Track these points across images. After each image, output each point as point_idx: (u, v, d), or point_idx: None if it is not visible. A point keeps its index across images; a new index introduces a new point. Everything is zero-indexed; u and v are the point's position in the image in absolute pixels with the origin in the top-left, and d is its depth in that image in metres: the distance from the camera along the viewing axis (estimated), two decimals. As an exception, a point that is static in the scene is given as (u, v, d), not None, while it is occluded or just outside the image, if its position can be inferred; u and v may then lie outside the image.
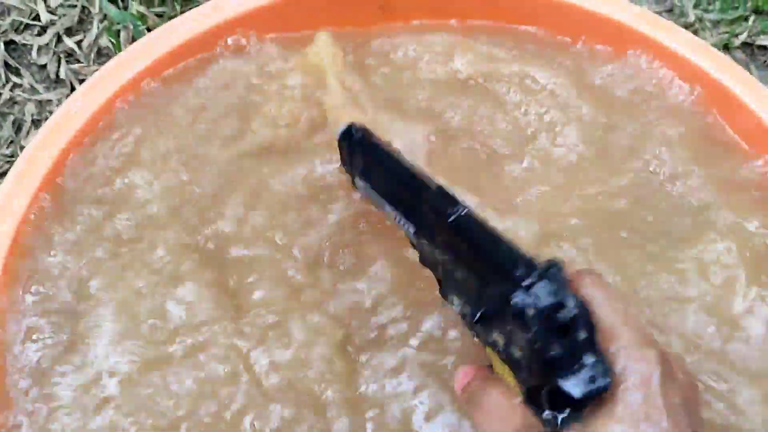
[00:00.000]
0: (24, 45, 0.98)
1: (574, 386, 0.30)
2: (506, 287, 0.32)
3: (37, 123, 0.93)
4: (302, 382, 0.45)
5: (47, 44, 0.98)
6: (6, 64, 0.96)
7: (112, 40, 0.95)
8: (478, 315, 0.35)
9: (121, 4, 0.99)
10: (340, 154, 0.48)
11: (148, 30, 0.95)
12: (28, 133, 0.93)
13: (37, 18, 1.00)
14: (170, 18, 0.96)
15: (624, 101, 0.62)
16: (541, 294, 0.31)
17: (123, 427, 0.44)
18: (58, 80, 0.96)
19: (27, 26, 1.00)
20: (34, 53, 0.97)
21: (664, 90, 0.63)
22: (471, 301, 0.36)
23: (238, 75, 0.62)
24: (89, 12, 1.00)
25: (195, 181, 0.55)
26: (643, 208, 0.54)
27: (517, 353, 0.33)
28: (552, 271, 0.32)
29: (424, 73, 0.62)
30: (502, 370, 0.36)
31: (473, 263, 0.36)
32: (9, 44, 0.98)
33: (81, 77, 0.96)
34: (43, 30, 0.99)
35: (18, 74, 0.96)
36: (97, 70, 0.93)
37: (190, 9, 0.96)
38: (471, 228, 0.36)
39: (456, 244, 0.37)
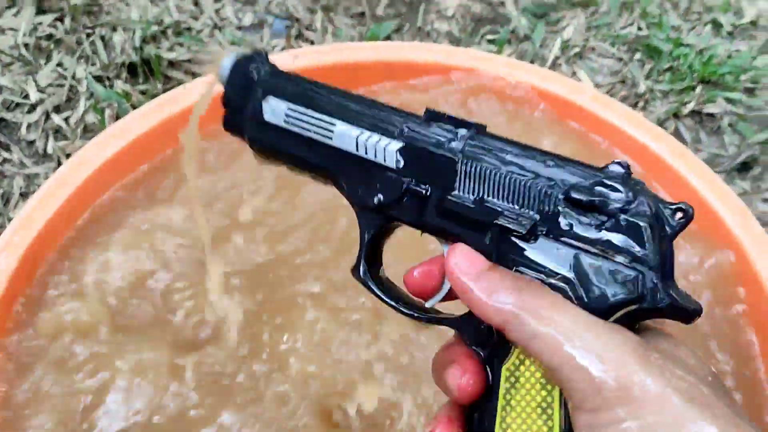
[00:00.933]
0: (14, 122, 1.04)
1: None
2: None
3: (24, 195, 0.98)
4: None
5: (36, 121, 1.03)
6: (-4, 141, 1.02)
7: (98, 116, 1.01)
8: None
9: (107, 82, 1.06)
10: (234, 123, 0.42)
11: (133, 107, 1.00)
12: (15, 205, 0.97)
13: (27, 96, 1.05)
14: (153, 95, 1.02)
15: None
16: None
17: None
18: (45, 155, 1.01)
19: (17, 104, 1.05)
20: (23, 130, 1.02)
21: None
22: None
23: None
24: (77, 90, 1.06)
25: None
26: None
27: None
28: None
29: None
30: None
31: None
32: (0, 122, 1.03)
33: (68, 152, 1.01)
34: (33, 108, 1.05)
35: (8, 150, 1.01)
36: (83, 145, 0.99)
37: (172, 86, 1.03)
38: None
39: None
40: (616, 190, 0.32)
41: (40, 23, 1.11)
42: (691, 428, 0.27)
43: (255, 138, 0.41)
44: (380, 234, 0.40)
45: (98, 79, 1.06)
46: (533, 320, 0.30)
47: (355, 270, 0.40)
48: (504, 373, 0.33)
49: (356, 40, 1.09)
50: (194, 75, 1.06)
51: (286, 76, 0.41)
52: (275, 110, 0.40)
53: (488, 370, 0.34)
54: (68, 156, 1.00)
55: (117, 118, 1.00)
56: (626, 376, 0.28)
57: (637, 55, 1.09)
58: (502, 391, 0.34)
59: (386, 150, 0.37)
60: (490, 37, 1.12)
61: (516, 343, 0.32)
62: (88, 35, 1.10)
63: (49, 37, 1.10)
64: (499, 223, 0.34)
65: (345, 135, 0.38)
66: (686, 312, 0.32)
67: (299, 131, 0.39)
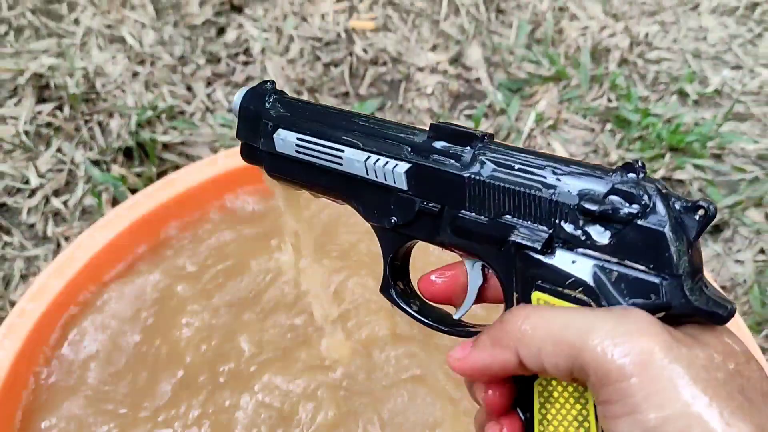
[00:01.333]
0: (15, 207, 1.08)
1: None
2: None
3: (24, 277, 1.02)
4: None
5: (36, 205, 1.08)
6: (-2, 225, 1.06)
7: (96, 199, 1.05)
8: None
9: (104, 166, 1.11)
10: (255, 156, 0.44)
11: (129, 189, 1.05)
12: (16, 287, 1.01)
13: (27, 182, 1.10)
14: (148, 177, 1.07)
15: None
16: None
17: None
18: (45, 237, 1.06)
19: (18, 190, 1.10)
20: (24, 214, 1.06)
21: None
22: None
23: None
24: (75, 174, 1.11)
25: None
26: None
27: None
28: None
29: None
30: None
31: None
32: (1, 206, 1.08)
33: (66, 235, 1.05)
34: (33, 192, 1.09)
35: (9, 233, 1.06)
36: (80, 227, 1.03)
37: (166, 168, 1.08)
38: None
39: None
40: (630, 195, 0.31)
41: (40, 112, 1.17)
42: (683, 399, 0.27)
43: (270, 167, 0.43)
44: (401, 252, 0.40)
45: (95, 163, 1.11)
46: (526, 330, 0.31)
47: (383, 289, 0.40)
48: (536, 388, 0.33)
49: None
50: (188, 157, 1.11)
51: (294, 104, 0.42)
52: (285, 141, 0.41)
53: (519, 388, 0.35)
54: (67, 239, 1.04)
55: (114, 200, 1.05)
56: (648, 360, 0.28)
57: (608, 126, 1.14)
58: (536, 406, 0.33)
59: (394, 172, 0.37)
60: (467, 112, 1.18)
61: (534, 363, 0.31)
62: (86, 122, 1.15)
63: (49, 124, 1.16)
64: (514, 240, 0.34)
65: (354, 161, 0.39)
66: (718, 315, 0.31)
67: (310, 160, 0.40)
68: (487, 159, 0.35)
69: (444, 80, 1.21)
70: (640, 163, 0.32)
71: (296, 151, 0.41)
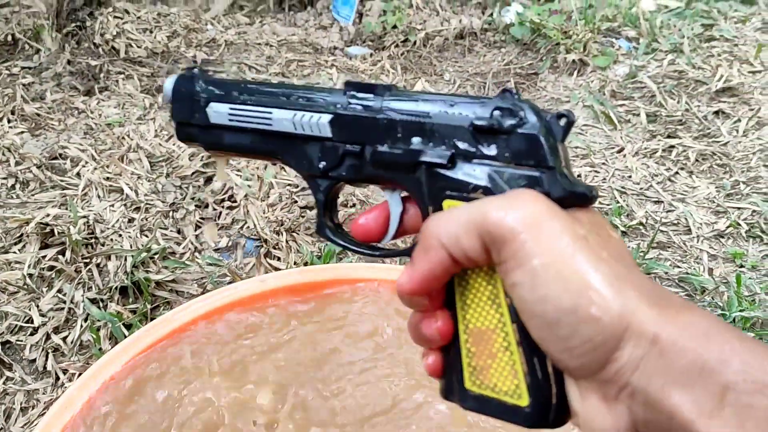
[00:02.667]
0: (18, 344, 1.18)
1: None
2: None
3: (24, 410, 1.10)
4: None
5: (37, 342, 1.18)
6: (1, 361, 1.16)
7: (93, 335, 1.16)
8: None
9: (101, 304, 1.22)
10: (188, 134, 0.48)
11: (124, 325, 1.17)
12: (16, 420, 1.09)
13: (30, 321, 1.21)
14: (143, 313, 1.19)
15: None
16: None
17: None
18: (44, 371, 1.15)
19: (21, 328, 1.21)
20: (27, 351, 1.16)
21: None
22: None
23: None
24: (74, 312, 1.22)
25: None
26: None
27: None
28: None
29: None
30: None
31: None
32: (4, 344, 1.18)
33: (65, 368, 1.15)
34: (35, 330, 1.20)
35: (10, 369, 1.15)
36: (78, 361, 1.13)
37: (158, 304, 1.20)
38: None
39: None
40: (509, 110, 0.39)
41: (44, 256, 1.30)
42: (576, 268, 0.33)
43: (207, 141, 0.48)
44: (331, 194, 0.46)
45: (94, 301, 1.23)
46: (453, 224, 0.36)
47: (319, 230, 0.46)
48: (455, 281, 0.40)
49: (315, 256, 1.29)
50: (178, 293, 1.24)
51: (220, 82, 0.47)
52: (218, 113, 0.46)
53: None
54: (65, 372, 1.14)
55: (111, 336, 1.16)
56: (533, 221, 0.34)
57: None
58: (457, 295, 0.40)
59: (319, 124, 0.43)
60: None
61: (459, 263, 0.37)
62: (86, 264, 1.28)
63: (51, 268, 1.28)
64: (424, 160, 0.41)
65: (282, 119, 0.44)
66: (585, 196, 0.38)
67: (243, 125, 0.46)
68: (393, 101, 0.42)
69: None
70: (514, 90, 0.40)
71: (229, 120, 0.46)
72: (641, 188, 1.49)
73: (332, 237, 0.46)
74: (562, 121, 0.39)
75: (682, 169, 1.56)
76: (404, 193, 0.44)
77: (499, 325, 0.38)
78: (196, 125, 0.47)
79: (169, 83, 0.47)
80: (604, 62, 2.02)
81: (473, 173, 0.39)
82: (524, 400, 0.38)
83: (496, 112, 0.39)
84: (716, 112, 1.79)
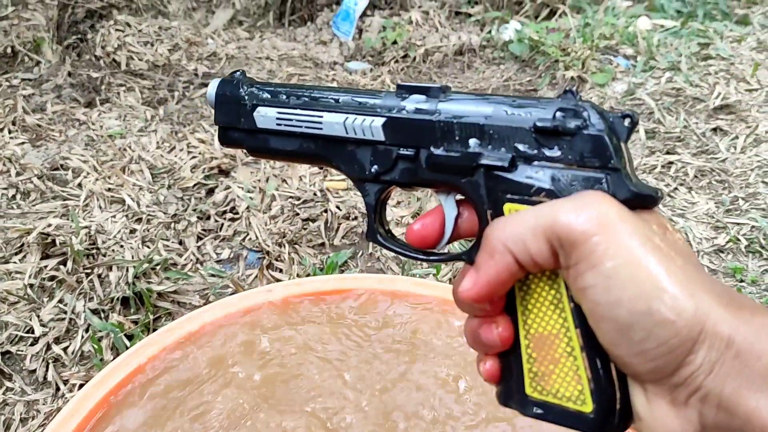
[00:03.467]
0: (18, 354, 1.17)
1: None
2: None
3: (24, 421, 1.09)
4: None
5: (38, 352, 1.17)
6: (1, 372, 1.15)
7: (95, 346, 1.15)
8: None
9: (102, 314, 1.22)
10: (232, 138, 0.48)
11: (126, 336, 1.16)
12: (16, 430, 1.08)
13: (31, 331, 1.20)
14: (144, 324, 1.18)
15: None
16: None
17: None
18: (45, 382, 1.14)
19: (21, 338, 1.20)
20: (27, 361, 1.15)
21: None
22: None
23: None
24: (75, 323, 1.21)
25: None
26: None
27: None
28: None
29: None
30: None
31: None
32: (4, 354, 1.17)
33: (65, 378, 1.14)
34: (36, 341, 1.19)
35: (10, 379, 1.14)
36: (79, 372, 1.12)
37: (160, 315, 1.20)
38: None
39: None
40: (573, 111, 0.38)
41: (45, 266, 1.29)
42: (650, 270, 0.32)
43: (252, 145, 0.47)
44: (381, 199, 0.44)
45: (95, 311, 1.22)
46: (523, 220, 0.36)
47: (370, 235, 0.44)
48: (516, 285, 0.39)
49: (318, 267, 1.29)
50: (180, 304, 1.23)
51: (266, 86, 0.46)
52: (266, 117, 0.45)
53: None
54: (65, 382, 1.13)
55: (112, 346, 1.15)
56: (604, 222, 0.33)
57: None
58: (518, 300, 0.39)
59: (372, 127, 0.42)
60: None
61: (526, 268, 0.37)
62: (87, 275, 1.28)
63: (53, 278, 1.27)
64: (483, 162, 0.40)
65: (332, 123, 0.43)
66: (651, 198, 0.37)
67: (292, 130, 0.45)
68: (448, 103, 0.41)
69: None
70: (575, 90, 0.39)
71: (277, 124, 0.45)
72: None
73: (385, 242, 0.44)
74: (626, 122, 0.38)
75: (681, 184, 1.57)
76: (459, 196, 0.43)
77: (562, 330, 0.38)
78: (242, 129, 0.46)
79: (212, 87, 0.47)
80: (602, 79, 2.04)
81: (535, 176, 0.38)
82: (588, 406, 0.37)
83: (559, 114, 0.38)
84: (714, 129, 1.80)
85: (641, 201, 0.37)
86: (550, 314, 0.38)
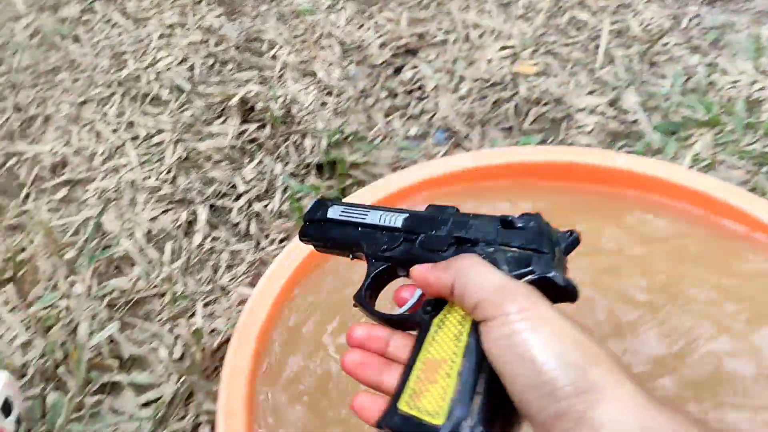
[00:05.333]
0: (223, 208, 1.25)
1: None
2: None
3: (230, 267, 1.17)
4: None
5: (240, 207, 1.25)
6: (208, 222, 1.23)
7: (295, 204, 1.21)
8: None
9: (299, 177, 1.27)
10: (307, 231, 0.61)
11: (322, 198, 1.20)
12: (222, 275, 1.17)
13: (233, 187, 1.28)
14: (340, 189, 1.22)
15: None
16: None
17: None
18: (247, 235, 1.22)
19: (225, 194, 1.28)
20: (233, 214, 1.23)
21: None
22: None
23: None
24: (274, 184, 1.27)
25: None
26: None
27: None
28: None
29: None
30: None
31: None
32: (211, 207, 1.26)
33: (266, 233, 1.21)
34: (239, 197, 1.27)
35: (216, 228, 1.22)
36: (278, 226, 1.18)
37: (351, 183, 1.23)
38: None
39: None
40: (521, 217, 0.49)
41: (246, 130, 1.35)
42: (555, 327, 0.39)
43: (316, 234, 0.60)
44: (382, 276, 0.55)
45: (292, 174, 1.27)
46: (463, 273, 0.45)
47: (356, 295, 0.55)
48: (435, 322, 0.47)
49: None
50: (373, 175, 1.26)
51: (342, 201, 0.61)
52: (335, 211, 0.59)
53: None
54: (267, 236, 1.20)
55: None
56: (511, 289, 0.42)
57: (765, 168, 1.21)
58: (431, 332, 0.46)
59: (396, 220, 0.56)
60: (625, 150, 1.27)
61: (453, 295, 0.45)
62: (284, 140, 1.33)
63: (252, 141, 1.34)
64: (460, 236, 0.51)
65: (373, 216, 0.57)
66: (566, 291, 0.44)
67: (347, 219, 0.58)
68: (455, 216, 0.53)
69: (603, 120, 1.32)
70: (534, 213, 0.50)
71: (340, 215, 0.59)
72: None
73: (365, 304, 0.54)
74: (568, 235, 0.48)
75: None
76: None
77: (451, 356, 0.43)
78: (316, 225, 0.60)
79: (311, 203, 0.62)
80: None
81: (488, 250, 0.49)
82: (440, 420, 0.41)
83: (514, 218, 0.49)
84: None
85: (560, 292, 0.44)
86: (448, 342, 0.45)
